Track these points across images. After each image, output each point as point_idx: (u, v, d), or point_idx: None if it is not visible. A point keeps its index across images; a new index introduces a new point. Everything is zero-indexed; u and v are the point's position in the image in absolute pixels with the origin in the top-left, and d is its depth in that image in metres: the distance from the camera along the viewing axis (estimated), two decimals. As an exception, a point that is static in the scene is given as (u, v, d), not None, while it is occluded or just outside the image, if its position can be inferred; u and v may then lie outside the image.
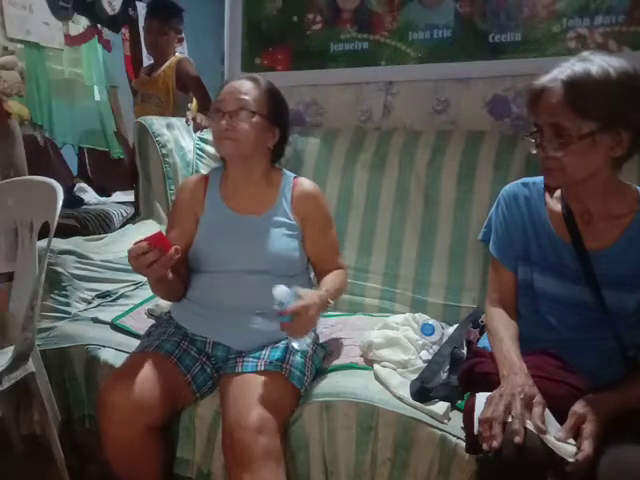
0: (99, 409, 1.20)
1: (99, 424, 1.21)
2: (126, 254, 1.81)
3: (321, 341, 1.45)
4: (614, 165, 1.05)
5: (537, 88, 1.03)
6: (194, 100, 2.67)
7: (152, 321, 1.55)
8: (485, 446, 0.91)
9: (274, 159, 1.42)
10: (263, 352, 1.27)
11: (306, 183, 1.43)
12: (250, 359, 1.26)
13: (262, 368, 1.23)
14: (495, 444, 0.89)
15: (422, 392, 1.20)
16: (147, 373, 1.20)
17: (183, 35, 2.74)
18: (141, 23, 4.12)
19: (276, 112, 1.35)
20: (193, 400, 1.29)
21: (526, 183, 1.19)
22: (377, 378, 1.28)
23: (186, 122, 2.16)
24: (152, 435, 1.22)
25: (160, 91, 2.65)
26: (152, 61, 2.84)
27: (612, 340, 1.08)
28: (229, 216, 1.38)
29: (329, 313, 1.59)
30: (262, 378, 1.21)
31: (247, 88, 1.32)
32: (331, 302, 1.29)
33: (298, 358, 1.27)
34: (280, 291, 1.17)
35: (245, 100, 1.30)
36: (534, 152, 1.07)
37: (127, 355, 1.41)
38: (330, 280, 1.39)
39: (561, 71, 1.01)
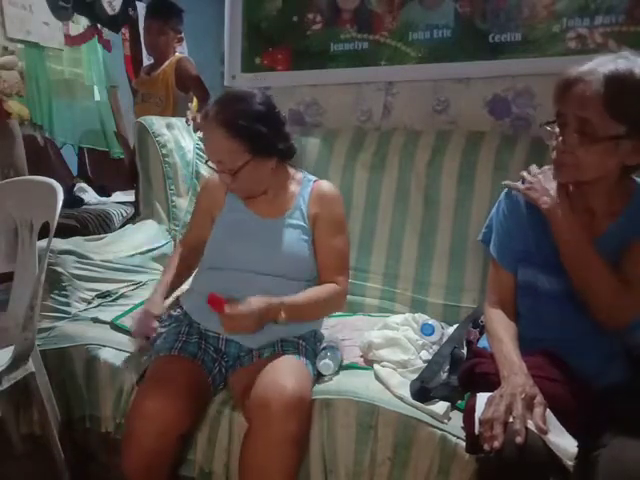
0: (133, 418, 1.18)
1: (129, 432, 1.18)
2: (126, 254, 1.85)
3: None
4: (624, 172, 1.04)
5: (571, 77, 0.99)
6: (194, 100, 2.67)
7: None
8: (486, 446, 0.90)
9: (284, 163, 1.39)
10: (276, 344, 1.29)
11: (325, 185, 1.41)
12: (266, 350, 1.28)
13: (281, 352, 1.25)
14: (496, 444, 0.88)
15: (422, 392, 1.20)
16: (180, 380, 1.19)
17: (182, 35, 2.74)
18: (141, 23, 4.10)
19: (259, 147, 1.26)
20: (209, 401, 1.29)
21: None
22: (377, 378, 1.28)
23: (186, 122, 2.16)
24: (180, 442, 1.22)
25: (160, 90, 2.65)
26: (152, 61, 2.84)
27: (616, 339, 1.08)
28: (249, 217, 1.38)
29: (329, 313, 1.59)
30: (285, 358, 1.22)
31: (221, 147, 1.25)
32: (283, 316, 1.23)
33: (309, 349, 1.31)
34: (325, 367, 1.28)
35: (223, 164, 1.27)
36: (553, 143, 1.04)
37: (128, 355, 1.41)
38: (306, 295, 1.30)
39: (601, 64, 0.97)
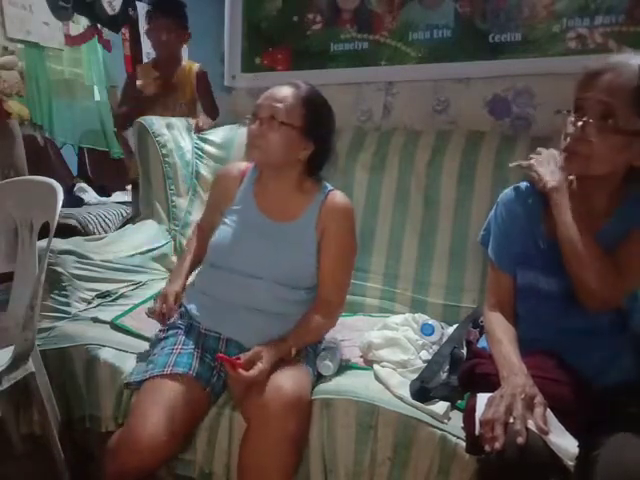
0: (120, 447, 1.16)
1: (119, 452, 1.16)
2: (126, 254, 1.85)
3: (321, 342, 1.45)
4: (629, 174, 1.03)
5: (600, 66, 0.98)
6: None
7: (152, 321, 1.55)
8: (487, 447, 0.90)
9: (311, 171, 1.36)
10: None
11: (338, 197, 1.36)
12: None
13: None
14: (497, 445, 0.88)
15: (422, 392, 1.20)
16: (173, 401, 1.18)
17: (190, 32, 2.63)
18: (141, 23, 4.10)
19: (311, 124, 1.29)
20: (209, 408, 1.29)
21: (525, 187, 1.18)
22: (377, 378, 1.29)
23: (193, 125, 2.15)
24: (172, 458, 1.24)
25: (185, 97, 2.55)
26: (150, 58, 2.70)
27: (621, 334, 1.08)
28: (259, 218, 1.36)
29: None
30: (283, 360, 1.23)
31: (283, 96, 1.28)
32: (293, 353, 1.26)
33: (310, 351, 1.31)
34: (325, 367, 1.29)
35: (277, 108, 1.26)
36: (569, 130, 1.02)
37: (127, 353, 1.42)
38: (308, 327, 1.31)
39: (632, 57, 0.96)
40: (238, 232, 1.35)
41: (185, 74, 2.51)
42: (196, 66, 2.54)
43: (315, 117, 1.30)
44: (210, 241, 1.38)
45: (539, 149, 1.18)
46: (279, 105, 1.27)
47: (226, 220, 1.38)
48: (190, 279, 1.49)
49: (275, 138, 1.26)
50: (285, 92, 1.29)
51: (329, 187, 1.39)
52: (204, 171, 2.09)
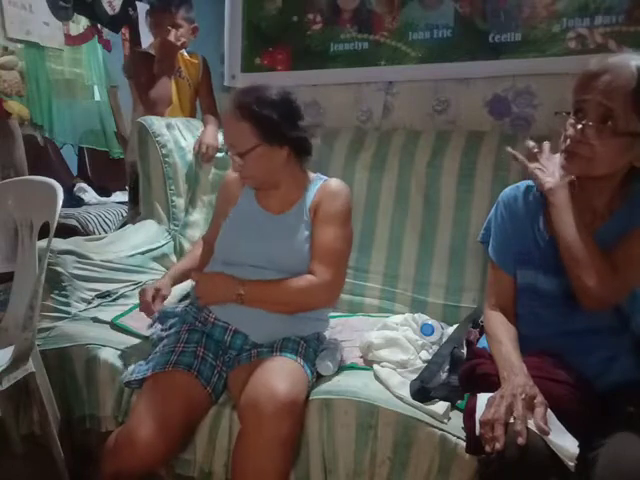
0: (125, 442, 1.16)
1: (118, 452, 1.17)
2: (126, 254, 1.85)
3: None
4: (630, 173, 1.03)
5: (599, 68, 0.97)
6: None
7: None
8: (488, 448, 0.90)
9: (300, 163, 1.38)
10: (275, 344, 1.30)
11: (333, 181, 1.40)
12: (264, 349, 1.29)
13: (278, 353, 1.26)
14: (498, 445, 0.88)
15: (422, 392, 1.20)
16: (173, 400, 1.19)
17: (197, 24, 2.48)
18: (141, 23, 4.09)
19: (272, 134, 1.27)
20: (210, 408, 1.29)
21: (525, 186, 1.19)
22: (377, 378, 1.28)
23: (195, 150, 2.10)
24: (170, 458, 1.24)
25: (192, 79, 2.43)
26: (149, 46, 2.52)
27: (621, 335, 1.08)
28: (259, 213, 1.39)
29: (329, 314, 1.58)
30: (280, 360, 1.23)
31: (233, 129, 1.29)
32: (242, 292, 1.28)
33: (310, 351, 1.31)
34: (325, 367, 1.29)
35: (234, 146, 1.29)
36: (569, 133, 1.02)
37: (127, 354, 1.42)
38: (272, 279, 1.31)
39: (630, 58, 0.96)
40: (240, 227, 1.38)
41: (194, 65, 2.34)
42: (200, 57, 2.40)
43: (267, 122, 1.26)
44: (217, 239, 1.41)
45: (544, 143, 1.16)
46: (232, 141, 1.30)
47: (230, 219, 1.41)
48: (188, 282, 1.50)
49: (253, 167, 1.30)
50: (230, 121, 1.28)
51: (324, 177, 1.42)
52: (204, 171, 2.09)
